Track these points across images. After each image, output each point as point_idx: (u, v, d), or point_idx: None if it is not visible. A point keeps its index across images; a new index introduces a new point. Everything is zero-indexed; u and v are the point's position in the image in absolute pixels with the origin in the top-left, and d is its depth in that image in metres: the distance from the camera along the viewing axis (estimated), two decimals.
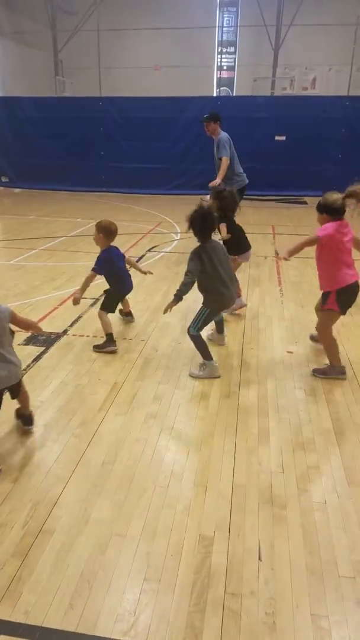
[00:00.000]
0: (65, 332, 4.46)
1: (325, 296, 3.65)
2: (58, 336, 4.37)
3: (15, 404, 2.97)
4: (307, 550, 2.19)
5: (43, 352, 4.03)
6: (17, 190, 14.20)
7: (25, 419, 2.95)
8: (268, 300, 5.34)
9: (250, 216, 10.62)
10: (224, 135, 7.01)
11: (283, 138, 12.83)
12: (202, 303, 3.77)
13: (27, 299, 5.31)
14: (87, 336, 4.37)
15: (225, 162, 6.81)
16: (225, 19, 18.96)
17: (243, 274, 6.28)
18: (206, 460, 2.75)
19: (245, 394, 3.44)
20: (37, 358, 3.93)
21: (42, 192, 13.78)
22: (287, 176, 12.84)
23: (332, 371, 3.72)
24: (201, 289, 3.72)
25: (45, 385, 3.50)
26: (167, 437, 2.94)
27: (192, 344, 3.78)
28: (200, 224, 3.52)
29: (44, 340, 4.25)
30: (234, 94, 19.18)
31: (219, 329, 4.27)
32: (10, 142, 13.93)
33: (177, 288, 3.52)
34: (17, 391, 2.81)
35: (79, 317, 4.81)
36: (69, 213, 10.85)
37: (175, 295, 3.51)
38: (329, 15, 16.72)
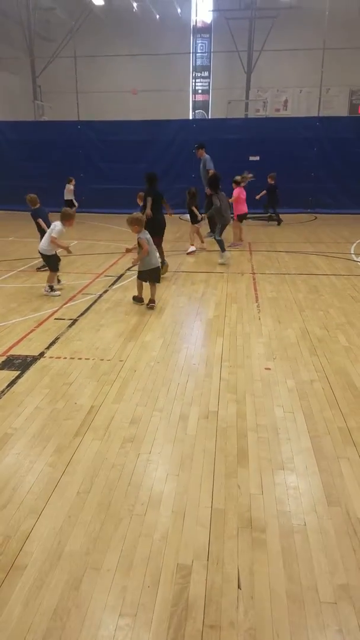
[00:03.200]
0: (42, 354, 4.38)
1: None
2: (34, 359, 4.28)
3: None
4: (287, 575, 2.14)
5: (18, 377, 3.93)
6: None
7: None
8: (245, 317, 5.36)
9: (228, 234, 10.72)
10: (207, 156, 10.53)
11: (257, 158, 13.11)
12: (216, 222, 8.00)
13: (4, 321, 5.21)
14: (65, 358, 4.29)
15: (211, 173, 9.01)
16: (199, 44, 19.53)
17: (220, 291, 6.31)
18: (184, 485, 2.69)
19: (224, 414, 3.40)
20: (12, 383, 3.84)
21: (22, 213, 13.66)
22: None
23: None
24: (217, 212, 7.85)
25: (19, 411, 3.41)
26: (144, 463, 2.87)
27: (168, 366, 3.75)
28: (214, 182, 7.88)
29: (19, 364, 4.16)
30: (210, 116, 19.61)
31: (222, 248, 7.90)
32: None
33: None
34: None
35: (56, 338, 4.74)
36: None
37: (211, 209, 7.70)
38: (297, 40, 17.34)
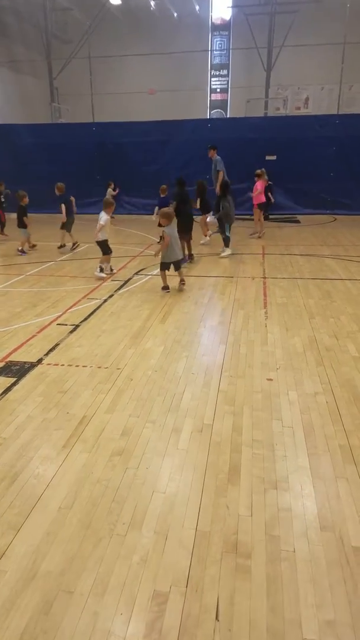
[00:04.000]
0: (40, 361, 4.33)
1: None
2: (32, 365, 4.24)
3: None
4: (269, 607, 2.01)
5: (14, 384, 3.89)
6: (13, 215, 14.26)
7: None
8: (252, 323, 5.21)
9: (240, 236, 10.55)
10: (218, 157, 11.01)
11: (274, 158, 12.87)
12: (224, 222, 8.49)
13: (6, 326, 5.20)
14: (62, 365, 4.24)
15: (221, 174, 10.44)
16: (217, 42, 19.31)
17: (228, 297, 6.18)
18: (170, 504, 2.58)
19: (219, 428, 3.28)
20: (7, 390, 3.80)
21: (38, 215, 13.79)
22: (279, 195, 12.85)
23: None
24: (225, 215, 8.41)
25: (10, 420, 3.36)
26: (130, 478, 2.78)
27: (166, 375, 3.68)
28: (225, 187, 8.44)
29: (17, 371, 4.12)
30: (228, 116, 19.40)
31: (227, 244, 8.65)
32: (8, 168, 14.03)
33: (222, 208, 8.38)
34: None
35: (56, 345, 4.69)
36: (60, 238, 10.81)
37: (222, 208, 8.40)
38: (318, 36, 17.01)
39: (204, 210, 9.58)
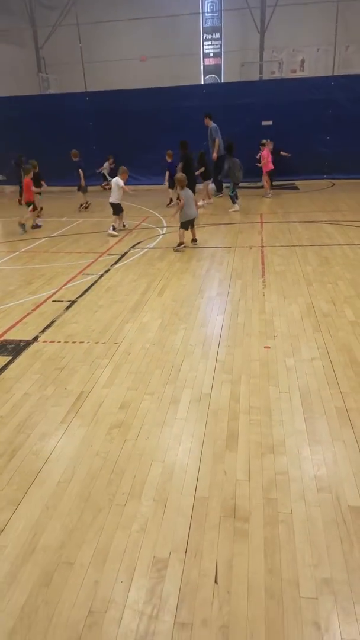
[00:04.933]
0: (35, 338, 4.31)
1: None
2: (28, 343, 4.22)
3: None
4: (267, 568, 2.03)
5: (9, 362, 3.89)
6: (8, 189, 14.05)
7: None
8: (249, 292, 5.16)
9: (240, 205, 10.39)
10: (214, 125, 11.17)
11: (270, 123, 12.53)
12: (230, 181, 9.45)
13: (1, 305, 5.17)
14: (59, 342, 4.22)
15: (217, 142, 11.03)
16: (209, 4, 18.53)
17: (226, 267, 6.11)
18: (169, 472, 2.60)
19: (217, 396, 3.28)
20: (3, 368, 3.79)
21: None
22: (277, 162, 12.54)
23: None
24: (231, 172, 9.29)
25: (7, 398, 3.37)
26: (129, 449, 2.79)
27: (164, 347, 3.65)
28: (230, 149, 9.35)
29: (12, 349, 4.11)
30: (222, 81, 18.80)
31: (233, 201, 9.66)
32: (3, 141, 13.73)
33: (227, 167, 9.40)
34: None
35: (52, 321, 4.66)
36: (56, 211, 10.71)
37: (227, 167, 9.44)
38: None
39: (206, 177, 10.41)
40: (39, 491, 2.50)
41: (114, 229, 8.16)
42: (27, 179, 8.96)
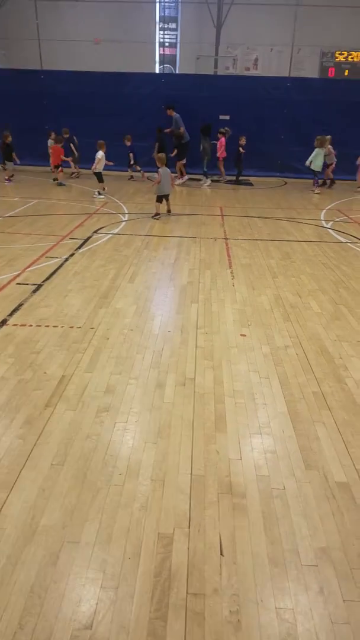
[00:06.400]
0: (4, 322, 4.15)
1: None
2: None
3: None
4: (268, 540, 2.13)
5: None
6: None
7: None
8: (220, 283, 5.26)
9: (198, 197, 10.51)
10: (176, 115, 11.65)
11: (227, 117, 12.71)
12: (204, 160, 11.96)
13: None
14: (30, 325, 4.09)
15: (182, 131, 11.63)
16: None
17: (193, 257, 6.17)
18: (163, 452, 2.63)
19: (201, 381, 3.34)
20: None
21: None
22: (233, 157, 12.76)
23: None
24: (205, 151, 11.84)
25: None
26: (121, 432, 2.79)
27: (143, 333, 3.67)
28: (205, 129, 11.69)
29: None
30: (177, 72, 18.79)
31: (206, 177, 12.03)
32: None
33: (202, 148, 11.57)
34: None
35: (20, 304, 4.51)
36: (7, 192, 10.27)
37: (202, 148, 11.77)
38: None
39: (180, 157, 11.86)
40: (32, 474, 2.44)
41: (99, 193, 9.86)
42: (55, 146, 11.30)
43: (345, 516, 2.28)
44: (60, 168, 11.34)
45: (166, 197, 8.29)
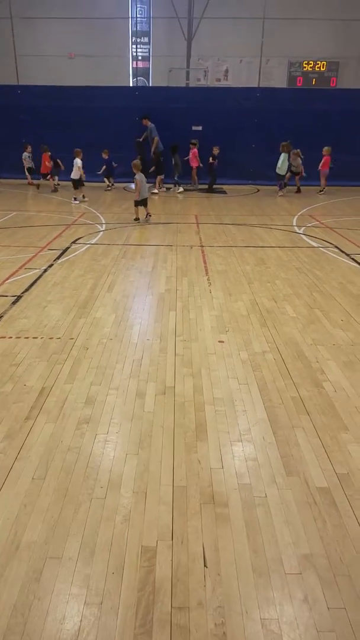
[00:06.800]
0: None
1: None
2: None
3: None
4: (251, 549, 2.14)
5: None
6: None
7: None
8: (197, 290, 5.29)
9: (173, 206, 10.59)
10: (152, 125, 11.98)
11: (199, 128, 12.89)
12: (175, 173, 12.60)
13: None
14: (10, 337, 4.03)
15: (156, 140, 11.92)
16: (138, 9, 18.59)
17: (170, 265, 6.19)
18: (145, 463, 2.62)
19: (181, 389, 3.35)
20: None
21: None
22: (206, 166, 12.90)
23: None
24: (176, 165, 12.52)
25: None
26: (102, 443, 2.76)
27: (122, 342, 3.66)
28: (174, 148, 12.22)
29: None
30: (150, 84, 18.95)
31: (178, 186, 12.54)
32: None
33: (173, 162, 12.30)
34: None
35: (0, 317, 4.44)
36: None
37: (173, 162, 12.36)
38: (238, 8, 16.99)
39: (158, 173, 12.27)
40: (13, 489, 2.40)
41: (76, 199, 10.37)
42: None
43: (327, 522, 2.31)
44: (49, 176, 11.91)
45: (144, 202, 8.54)
